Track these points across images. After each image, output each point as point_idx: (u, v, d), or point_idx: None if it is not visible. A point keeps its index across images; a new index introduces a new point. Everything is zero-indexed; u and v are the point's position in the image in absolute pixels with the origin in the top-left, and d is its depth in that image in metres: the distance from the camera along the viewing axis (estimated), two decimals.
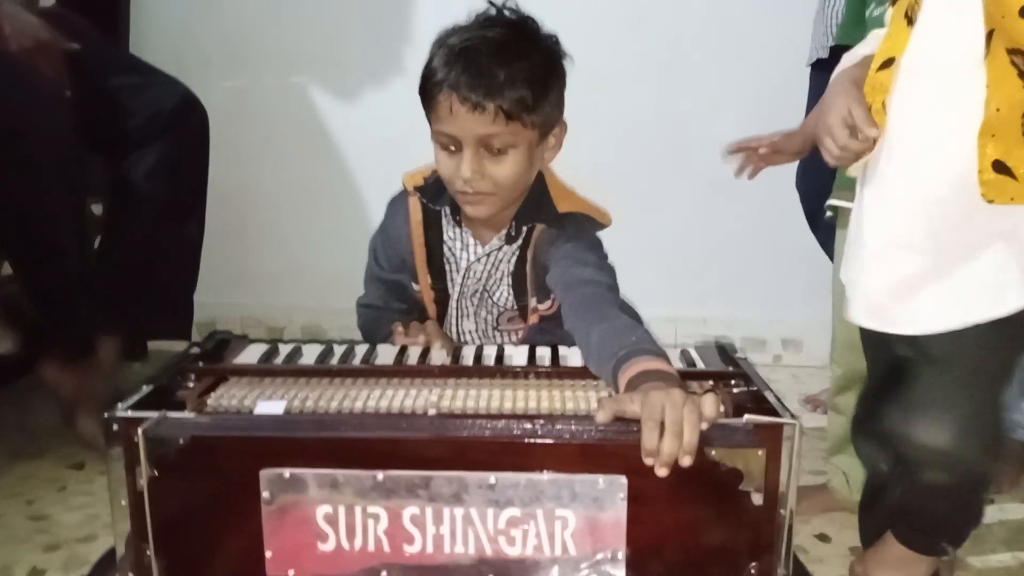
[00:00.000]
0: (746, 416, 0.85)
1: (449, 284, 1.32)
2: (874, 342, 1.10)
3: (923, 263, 0.95)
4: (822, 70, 1.66)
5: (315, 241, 2.26)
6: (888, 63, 0.94)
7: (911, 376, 1.03)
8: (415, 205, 1.30)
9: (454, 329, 1.36)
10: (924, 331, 0.97)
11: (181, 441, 0.83)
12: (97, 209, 1.75)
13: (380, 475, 0.83)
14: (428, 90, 1.15)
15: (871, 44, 1.03)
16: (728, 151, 1.48)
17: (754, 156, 1.47)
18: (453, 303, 1.34)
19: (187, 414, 0.88)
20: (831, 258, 1.55)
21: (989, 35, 0.85)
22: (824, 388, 1.92)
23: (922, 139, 0.92)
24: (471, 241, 1.29)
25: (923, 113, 0.92)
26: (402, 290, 1.36)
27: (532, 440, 0.84)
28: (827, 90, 1.05)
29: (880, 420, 1.10)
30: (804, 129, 1.45)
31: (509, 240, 1.27)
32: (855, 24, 1.30)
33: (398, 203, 1.34)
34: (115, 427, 0.85)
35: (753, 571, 0.86)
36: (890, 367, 1.08)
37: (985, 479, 1.09)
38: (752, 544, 0.85)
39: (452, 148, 1.16)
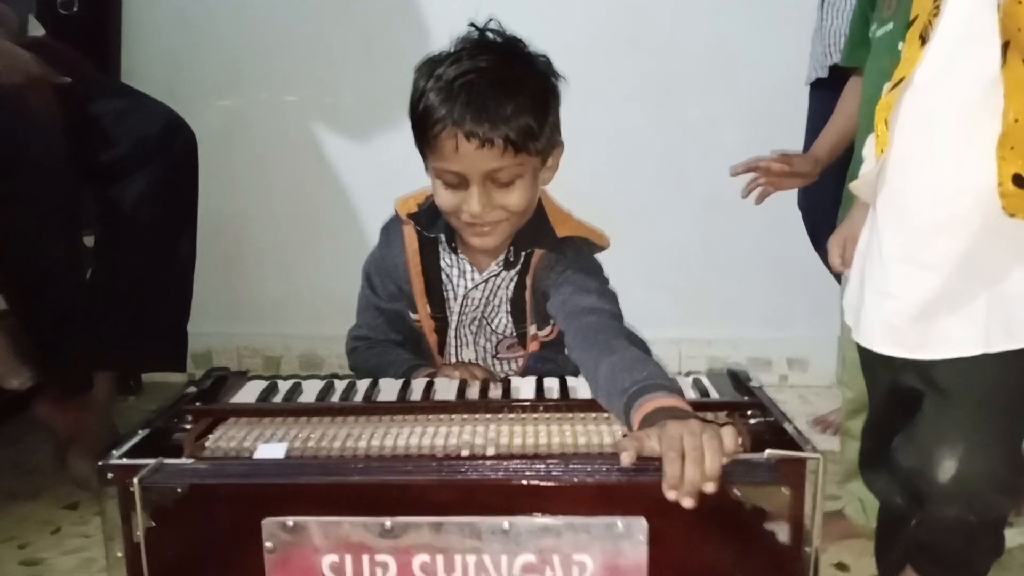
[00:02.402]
0: (767, 451, 0.82)
1: (448, 313, 1.29)
2: (877, 369, 1.06)
3: (943, 285, 0.91)
4: (821, 89, 1.65)
5: (311, 268, 2.23)
6: (900, 83, 0.92)
7: (918, 408, 1.00)
8: (410, 234, 1.27)
9: (454, 359, 1.33)
10: (939, 356, 0.94)
11: (179, 490, 0.80)
12: (89, 241, 1.72)
13: (388, 522, 0.80)
14: (427, 128, 1.10)
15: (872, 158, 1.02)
16: (735, 171, 1.46)
17: (765, 175, 1.45)
18: (452, 331, 1.31)
19: (185, 461, 0.84)
20: (836, 277, 1.53)
21: (1005, 46, 0.83)
22: (832, 408, 1.89)
23: (938, 155, 0.90)
24: (468, 268, 1.26)
25: (938, 129, 0.90)
26: (400, 320, 1.32)
27: (547, 483, 0.80)
28: (853, 207, 1.17)
29: (887, 454, 1.07)
30: (814, 153, 1.43)
31: (508, 266, 1.25)
32: (859, 45, 1.28)
33: (392, 231, 1.31)
34: (109, 475, 0.82)
35: None
36: (894, 396, 1.04)
37: (1002, 514, 1.04)
38: None
39: (456, 184, 1.12)
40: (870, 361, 1.06)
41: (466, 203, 1.12)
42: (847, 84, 1.39)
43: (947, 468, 0.96)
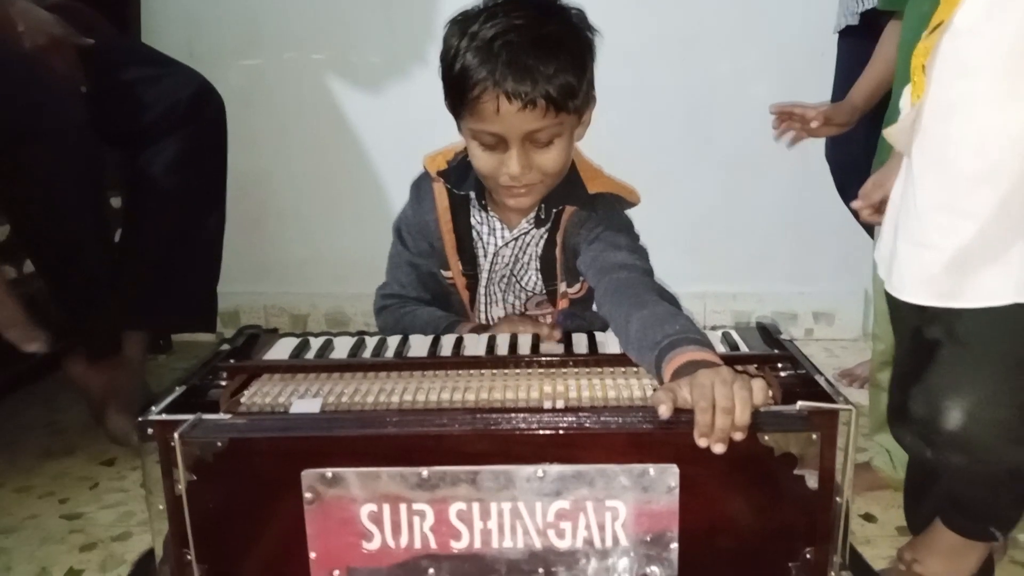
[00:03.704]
0: (799, 403, 0.82)
1: (478, 270, 1.29)
2: (905, 320, 1.05)
3: (980, 233, 0.90)
4: (850, 37, 1.62)
5: (336, 227, 2.24)
6: (938, 28, 0.90)
7: (935, 358, 0.99)
8: (440, 191, 1.27)
9: (483, 316, 1.33)
10: (972, 305, 0.92)
11: (219, 444, 0.81)
12: (116, 203, 1.73)
13: (425, 471, 0.81)
14: (465, 89, 1.07)
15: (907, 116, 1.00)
16: (773, 110, 1.44)
17: (801, 123, 1.43)
18: (481, 289, 1.31)
19: (223, 416, 0.85)
20: (867, 230, 1.51)
21: None
22: (859, 361, 1.89)
23: (980, 103, 0.88)
24: (498, 225, 1.26)
25: (979, 75, 0.87)
26: (432, 277, 1.33)
27: (580, 431, 0.81)
28: (889, 158, 1.13)
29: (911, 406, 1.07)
30: (851, 100, 1.41)
31: (538, 223, 1.24)
32: None
33: (422, 188, 1.30)
34: (149, 430, 0.84)
35: (808, 556, 0.84)
36: (918, 347, 1.04)
37: (1019, 463, 1.02)
38: (807, 530, 0.83)
39: (494, 145, 1.11)
40: (899, 312, 1.04)
41: (505, 165, 1.10)
42: (886, 27, 1.36)
43: (954, 417, 0.95)
